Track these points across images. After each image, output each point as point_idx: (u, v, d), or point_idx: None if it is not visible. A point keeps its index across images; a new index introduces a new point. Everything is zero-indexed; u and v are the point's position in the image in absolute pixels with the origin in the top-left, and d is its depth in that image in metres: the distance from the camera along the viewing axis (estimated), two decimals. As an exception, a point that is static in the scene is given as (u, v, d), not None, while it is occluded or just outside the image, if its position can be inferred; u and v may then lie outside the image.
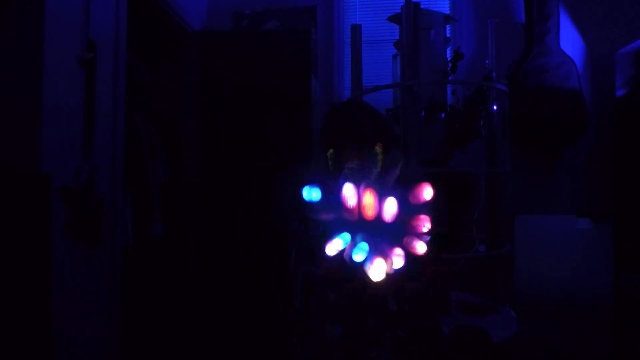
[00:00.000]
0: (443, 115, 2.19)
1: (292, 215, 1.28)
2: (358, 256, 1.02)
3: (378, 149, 1.20)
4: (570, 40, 2.72)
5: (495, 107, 2.18)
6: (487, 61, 2.28)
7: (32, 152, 1.46)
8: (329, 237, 1.07)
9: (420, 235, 1.07)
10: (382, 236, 1.08)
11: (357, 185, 1.10)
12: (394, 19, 2.35)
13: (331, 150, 1.24)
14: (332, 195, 1.11)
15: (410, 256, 1.06)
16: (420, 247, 1.05)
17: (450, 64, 2.21)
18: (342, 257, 1.09)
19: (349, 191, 1.06)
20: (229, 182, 2.63)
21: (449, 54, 2.46)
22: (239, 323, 2.52)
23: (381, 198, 1.06)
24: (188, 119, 2.71)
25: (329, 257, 1.07)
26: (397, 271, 1.05)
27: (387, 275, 1.03)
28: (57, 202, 1.52)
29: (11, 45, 1.48)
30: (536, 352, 2.39)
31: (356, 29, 2.25)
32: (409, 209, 1.07)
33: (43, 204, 1.46)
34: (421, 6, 2.06)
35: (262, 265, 2.54)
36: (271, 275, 2.39)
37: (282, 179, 2.53)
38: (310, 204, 1.12)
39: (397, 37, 2.35)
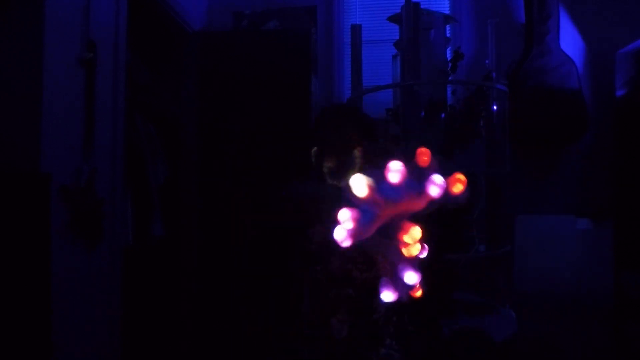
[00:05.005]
0: (443, 115, 2.19)
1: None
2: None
3: (357, 152, 1.26)
4: (570, 40, 2.72)
5: (495, 107, 2.19)
6: (487, 61, 2.28)
7: (32, 152, 1.46)
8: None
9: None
10: None
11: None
12: (394, 19, 2.35)
13: (315, 149, 1.32)
14: None
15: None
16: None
17: (450, 64, 2.21)
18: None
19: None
20: (228, 182, 2.63)
21: (449, 54, 2.46)
22: (239, 323, 2.52)
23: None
24: (188, 119, 2.71)
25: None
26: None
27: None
28: (57, 202, 1.52)
29: (11, 45, 1.48)
30: (536, 352, 2.39)
31: (356, 29, 2.25)
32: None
33: (43, 204, 1.45)
34: (421, 6, 2.07)
35: (262, 265, 2.53)
36: (271, 276, 2.39)
37: (282, 179, 2.54)
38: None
39: (397, 37, 2.35)
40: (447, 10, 2.88)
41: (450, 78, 2.28)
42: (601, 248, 2.50)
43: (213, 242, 2.64)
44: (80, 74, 1.67)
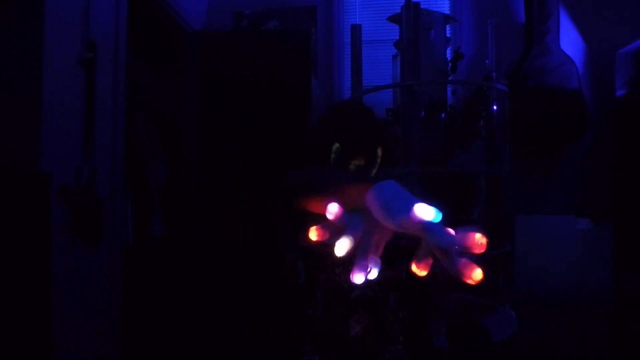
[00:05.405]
0: (443, 115, 2.19)
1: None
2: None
3: (379, 151, 1.25)
4: (570, 40, 2.72)
5: (495, 107, 2.18)
6: (487, 61, 2.28)
7: (32, 152, 1.46)
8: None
9: None
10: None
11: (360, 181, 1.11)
12: (394, 19, 2.35)
13: (337, 145, 1.26)
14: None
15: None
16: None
17: (450, 64, 2.21)
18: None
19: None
20: (228, 182, 2.63)
21: (449, 54, 2.46)
22: (239, 323, 2.52)
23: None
24: (188, 119, 2.71)
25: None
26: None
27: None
28: (57, 202, 1.52)
29: (11, 45, 1.49)
30: (536, 352, 2.39)
31: (356, 29, 2.25)
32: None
33: (43, 204, 1.46)
34: (421, 6, 2.07)
35: (262, 265, 2.53)
36: (272, 276, 2.39)
37: (282, 179, 2.54)
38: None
39: (397, 37, 2.35)
40: (447, 10, 2.88)
41: (450, 78, 2.28)
42: (601, 248, 2.50)
43: (213, 242, 2.64)
44: (80, 74, 1.67)
